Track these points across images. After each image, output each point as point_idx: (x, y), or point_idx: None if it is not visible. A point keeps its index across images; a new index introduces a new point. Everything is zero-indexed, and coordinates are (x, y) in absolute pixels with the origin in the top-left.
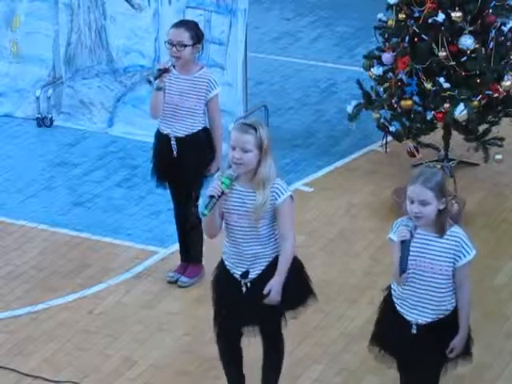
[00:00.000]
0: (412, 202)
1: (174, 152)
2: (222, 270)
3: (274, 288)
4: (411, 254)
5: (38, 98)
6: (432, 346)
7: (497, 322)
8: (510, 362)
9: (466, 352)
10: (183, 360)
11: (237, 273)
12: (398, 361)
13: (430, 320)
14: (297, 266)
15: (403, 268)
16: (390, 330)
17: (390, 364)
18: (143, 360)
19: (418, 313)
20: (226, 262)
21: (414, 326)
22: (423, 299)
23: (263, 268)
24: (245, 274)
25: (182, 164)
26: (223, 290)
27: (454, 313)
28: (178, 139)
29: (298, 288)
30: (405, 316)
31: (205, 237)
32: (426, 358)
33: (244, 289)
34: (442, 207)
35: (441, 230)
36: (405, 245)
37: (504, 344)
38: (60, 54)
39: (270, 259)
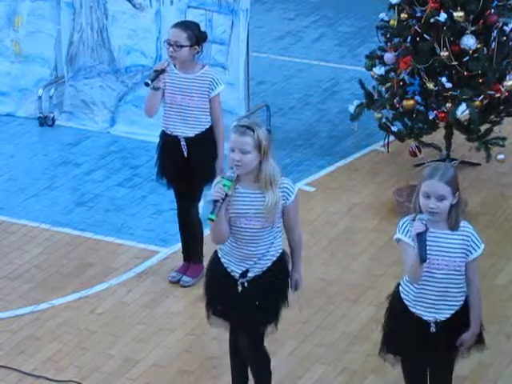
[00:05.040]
0: (428, 198)
1: (185, 153)
2: (217, 266)
3: (298, 282)
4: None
5: (40, 98)
6: (450, 340)
7: (498, 321)
8: (510, 363)
9: (479, 340)
10: (185, 360)
11: (236, 271)
12: (415, 361)
13: (448, 316)
14: (285, 275)
15: (423, 257)
16: (406, 334)
17: (397, 364)
18: (145, 360)
19: (435, 311)
20: (223, 259)
21: (432, 325)
22: (440, 297)
23: (263, 269)
24: (244, 274)
25: (194, 164)
26: (219, 287)
27: (466, 304)
28: (187, 140)
29: (280, 300)
30: (422, 317)
31: (205, 236)
32: (446, 353)
33: (240, 288)
34: (454, 202)
35: (454, 225)
36: (422, 236)
37: (505, 344)
38: (62, 54)
39: (272, 260)
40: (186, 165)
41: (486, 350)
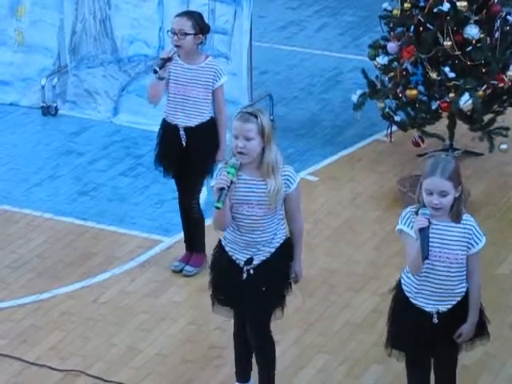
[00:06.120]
0: (430, 194)
1: (184, 142)
2: (222, 255)
3: (299, 273)
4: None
5: (43, 87)
6: (452, 332)
7: (500, 311)
8: None
9: (482, 332)
10: (187, 349)
11: (240, 259)
12: (418, 353)
13: (450, 306)
14: (290, 260)
15: (425, 255)
16: (409, 326)
17: (402, 358)
18: (148, 349)
19: (437, 302)
20: (228, 248)
21: (434, 316)
22: (441, 288)
23: (267, 255)
24: (249, 261)
25: (192, 154)
26: (224, 275)
27: (467, 296)
28: (187, 129)
29: (286, 285)
30: (424, 308)
31: (206, 226)
32: (449, 344)
33: (245, 275)
34: (457, 195)
35: (457, 217)
36: (424, 232)
37: (508, 334)
38: (65, 43)
39: (275, 246)
40: (184, 154)
41: (492, 341)
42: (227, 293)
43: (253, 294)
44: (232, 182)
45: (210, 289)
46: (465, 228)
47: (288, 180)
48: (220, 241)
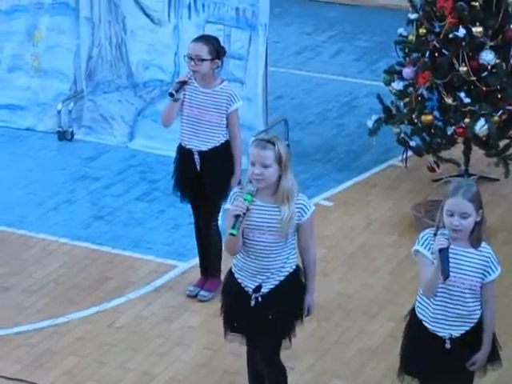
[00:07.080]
0: (451, 215)
1: (198, 166)
2: (231, 282)
3: (311, 307)
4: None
5: (59, 112)
6: (465, 356)
7: None
8: None
9: (494, 358)
10: (202, 374)
11: (249, 286)
12: (432, 379)
13: (462, 332)
14: (300, 289)
15: (447, 274)
16: (422, 351)
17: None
18: (163, 374)
19: (449, 327)
20: (237, 275)
21: (447, 341)
22: (454, 313)
23: (277, 283)
24: (257, 289)
25: (206, 178)
26: (232, 302)
27: (481, 322)
28: (201, 153)
29: (295, 314)
30: (437, 333)
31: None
32: (461, 370)
33: (253, 302)
34: (478, 219)
35: (477, 243)
36: (444, 252)
37: None
38: (81, 68)
39: (285, 274)
40: (199, 179)
41: (507, 367)
42: (237, 320)
43: (261, 321)
44: (248, 209)
45: (221, 315)
46: (482, 255)
47: (302, 209)
48: (230, 269)
